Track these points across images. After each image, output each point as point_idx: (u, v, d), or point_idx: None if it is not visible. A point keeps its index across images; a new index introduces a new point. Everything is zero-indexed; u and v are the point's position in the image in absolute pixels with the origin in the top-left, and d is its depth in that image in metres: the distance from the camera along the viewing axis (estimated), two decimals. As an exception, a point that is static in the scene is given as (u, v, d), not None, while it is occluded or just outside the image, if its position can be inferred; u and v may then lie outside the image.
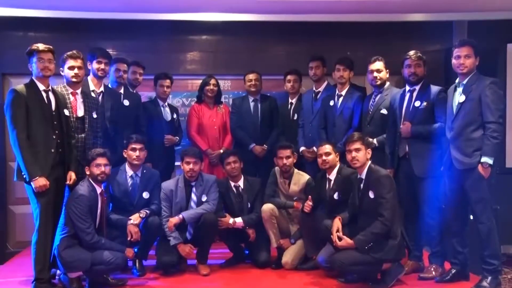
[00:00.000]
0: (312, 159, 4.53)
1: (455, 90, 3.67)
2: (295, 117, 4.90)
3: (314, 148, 4.48)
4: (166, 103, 4.87)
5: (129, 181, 4.07)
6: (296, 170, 4.34)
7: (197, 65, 5.54)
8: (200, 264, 4.09)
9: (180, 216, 4.02)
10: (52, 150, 3.50)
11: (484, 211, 3.53)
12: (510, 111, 4.96)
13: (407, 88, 3.96)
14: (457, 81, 3.68)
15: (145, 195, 4.08)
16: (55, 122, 3.54)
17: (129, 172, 4.08)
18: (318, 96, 4.72)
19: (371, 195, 3.58)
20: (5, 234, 5.28)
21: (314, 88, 4.79)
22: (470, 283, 3.64)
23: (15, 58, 4.93)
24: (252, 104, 4.97)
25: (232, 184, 4.34)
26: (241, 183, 4.35)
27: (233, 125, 4.95)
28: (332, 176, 4.03)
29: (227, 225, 4.16)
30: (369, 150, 3.69)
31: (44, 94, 3.52)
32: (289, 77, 4.90)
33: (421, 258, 4.03)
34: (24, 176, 3.42)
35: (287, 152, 4.25)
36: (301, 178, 4.31)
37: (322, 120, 4.59)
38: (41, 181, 3.39)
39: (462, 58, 3.57)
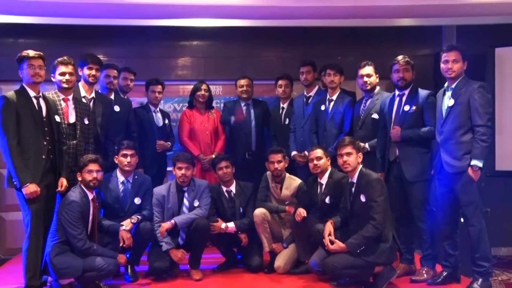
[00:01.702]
0: (304, 164, 4.53)
1: (444, 94, 3.72)
2: (287, 122, 4.92)
3: (306, 153, 4.48)
4: (158, 109, 4.88)
5: (121, 187, 4.06)
6: (287, 175, 4.35)
7: (189, 70, 5.55)
8: (192, 269, 4.07)
9: (172, 221, 4.01)
10: (43, 157, 3.50)
11: (474, 214, 3.56)
12: (499, 115, 4.99)
13: (396, 92, 4.00)
14: (446, 85, 3.72)
15: (137, 200, 4.07)
16: (45, 129, 3.53)
17: (121, 178, 4.07)
18: (310, 101, 4.74)
19: (363, 198, 3.61)
20: (-4, 241, 5.26)
21: (305, 93, 4.81)
22: (461, 286, 3.67)
23: (6, 65, 4.91)
24: (244, 109, 4.99)
25: (224, 189, 4.34)
26: (233, 188, 4.35)
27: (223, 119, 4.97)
28: (324, 180, 4.04)
29: (219, 230, 4.15)
30: (360, 154, 3.72)
31: (34, 101, 3.51)
32: (280, 82, 4.91)
33: (412, 261, 4.04)
34: (15, 183, 3.41)
35: (279, 156, 4.26)
36: (292, 182, 4.32)
37: (313, 124, 4.61)
38: (31, 188, 3.38)
39: (450, 63, 3.61)
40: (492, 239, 3.70)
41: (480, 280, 3.55)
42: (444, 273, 3.75)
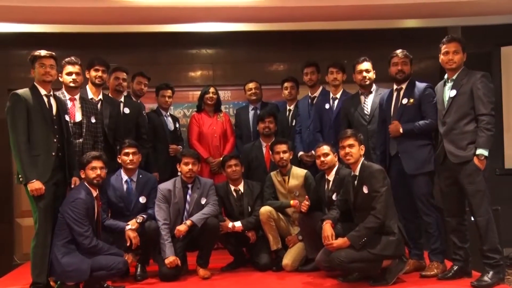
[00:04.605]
0: (311, 163, 4.55)
1: (444, 85, 3.71)
2: (293, 123, 4.95)
3: (313, 152, 4.49)
4: (168, 113, 5.00)
5: (124, 186, 4.08)
6: (293, 166, 4.38)
7: (198, 76, 5.71)
8: (200, 268, 4.07)
9: (188, 222, 3.97)
10: (53, 154, 3.53)
11: (482, 204, 3.51)
12: (507, 113, 4.98)
13: (395, 87, 4.02)
14: (445, 77, 3.72)
15: (142, 199, 4.09)
16: (55, 127, 3.58)
17: (124, 177, 4.10)
18: (314, 101, 4.77)
19: (365, 190, 3.58)
20: (12, 247, 5.36)
21: (309, 94, 4.86)
22: (472, 280, 3.56)
23: (21, 75, 5.11)
24: (251, 113, 5.08)
25: (232, 188, 4.37)
26: (241, 187, 4.38)
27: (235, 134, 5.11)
28: (331, 177, 4.04)
29: (227, 230, 4.16)
30: (362, 147, 3.71)
31: (45, 99, 3.57)
32: (286, 84, 4.98)
33: (422, 256, 3.98)
34: (21, 179, 3.46)
35: (283, 147, 4.31)
36: (299, 172, 4.35)
37: (317, 123, 4.65)
38: (36, 185, 3.40)
39: (451, 54, 3.62)
40: (503, 239, 3.63)
41: (491, 272, 3.48)
42: (455, 267, 3.68)
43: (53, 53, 3.63)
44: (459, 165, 3.55)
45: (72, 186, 3.66)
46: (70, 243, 3.55)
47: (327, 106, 4.59)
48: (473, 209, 3.56)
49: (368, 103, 4.29)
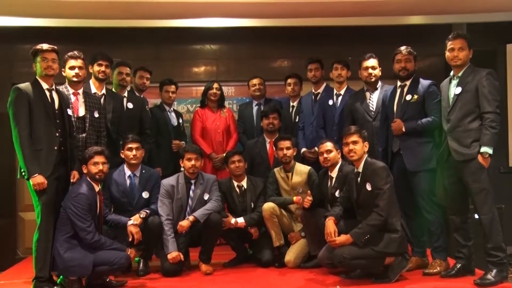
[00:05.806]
0: (314, 160, 4.55)
1: (450, 82, 3.69)
2: (297, 120, 4.95)
3: (316, 149, 4.50)
4: (172, 109, 5.00)
5: (128, 181, 4.09)
6: (297, 163, 4.38)
7: (201, 72, 5.71)
8: (202, 263, 4.07)
9: (191, 218, 3.98)
10: (55, 148, 3.53)
11: (486, 202, 3.49)
12: (511, 110, 4.96)
13: (398, 83, 4.00)
14: (451, 73, 3.70)
15: (145, 194, 4.10)
16: (57, 121, 3.58)
17: (127, 172, 4.11)
18: (318, 98, 4.77)
19: (368, 187, 3.57)
20: (15, 241, 5.38)
21: (313, 90, 4.86)
22: (476, 278, 3.54)
23: (25, 69, 5.10)
24: (255, 108, 5.09)
25: (235, 184, 4.36)
26: (244, 183, 4.37)
27: (239, 130, 5.11)
28: (334, 173, 4.04)
29: (229, 225, 4.17)
30: (366, 143, 3.70)
31: (47, 93, 3.57)
32: (289, 80, 4.99)
33: (424, 254, 3.98)
34: (23, 173, 3.46)
35: (287, 143, 4.30)
36: (303, 169, 4.35)
37: (320, 120, 4.64)
38: (39, 179, 3.40)
39: (456, 51, 3.60)
40: (506, 237, 3.60)
41: (495, 270, 3.46)
42: (458, 265, 3.67)
43: (55, 47, 3.61)
44: (463, 162, 3.53)
45: (71, 180, 3.66)
46: (73, 238, 3.55)
47: (330, 102, 4.59)
48: (477, 207, 3.54)
49: (374, 99, 4.27)
